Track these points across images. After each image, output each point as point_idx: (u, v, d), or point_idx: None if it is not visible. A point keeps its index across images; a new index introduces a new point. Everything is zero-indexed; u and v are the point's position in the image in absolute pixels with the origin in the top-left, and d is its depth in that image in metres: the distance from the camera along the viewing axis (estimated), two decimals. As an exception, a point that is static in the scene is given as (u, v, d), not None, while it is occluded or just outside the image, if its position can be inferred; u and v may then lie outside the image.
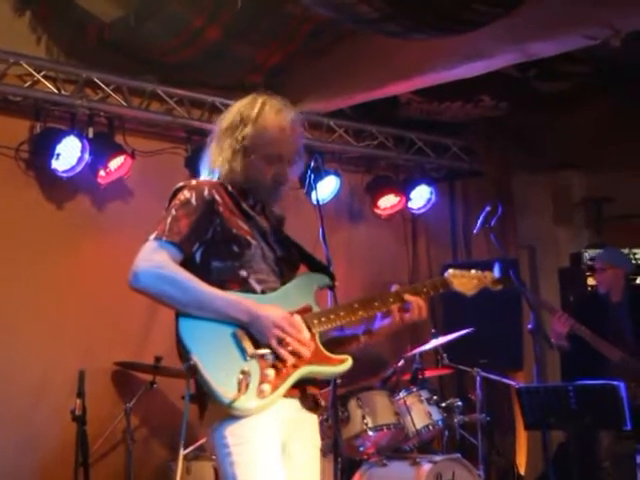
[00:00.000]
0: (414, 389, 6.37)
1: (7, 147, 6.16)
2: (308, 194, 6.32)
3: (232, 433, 3.07)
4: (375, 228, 8.46)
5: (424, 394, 6.35)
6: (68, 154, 6.15)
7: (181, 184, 3.36)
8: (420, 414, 6.24)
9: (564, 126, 8.35)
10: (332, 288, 3.53)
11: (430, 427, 6.25)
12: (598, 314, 6.82)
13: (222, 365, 3.05)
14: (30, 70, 6.14)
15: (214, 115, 7.04)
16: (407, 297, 3.50)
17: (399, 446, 6.37)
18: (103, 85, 6.48)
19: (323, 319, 3.31)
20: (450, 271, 3.70)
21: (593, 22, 5.69)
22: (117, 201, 6.67)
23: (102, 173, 6.39)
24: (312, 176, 4.19)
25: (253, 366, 3.07)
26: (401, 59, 6.54)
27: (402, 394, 6.30)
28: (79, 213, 6.49)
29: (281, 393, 3.10)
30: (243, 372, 3.02)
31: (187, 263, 3.22)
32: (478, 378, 6.83)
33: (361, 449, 6.08)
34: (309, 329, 3.25)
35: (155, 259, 3.12)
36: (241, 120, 3.42)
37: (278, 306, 3.22)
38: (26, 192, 6.26)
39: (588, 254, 8.17)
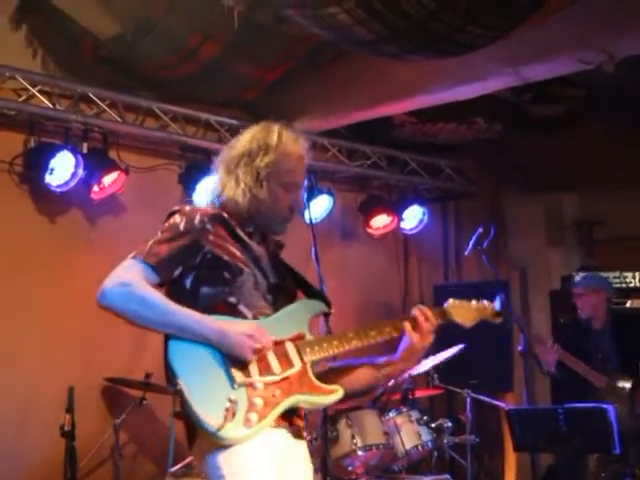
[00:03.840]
0: (404, 409, 6.38)
1: (1, 161, 6.16)
2: (301, 213, 6.33)
3: (227, 462, 3.02)
4: (367, 248, 8.47)
5: (414, 414, 6.35)
6: (62, 169, 6.14)
7: (176, 208, 3.34)
8: (410, 434, 6.24)
9: (557, 149, 8.38)
10: (328, 315, 3.46)
11: (419, 447, 6.25)
12: (582, 340, 6.84)
13: (209, 392, 3.01)
14: (25, 84, 6.14)
15: (208, 132, 7.08)
16: (406, 325, 3.40)
17: (388, 466, 6.36)
18: (98, 100, 6.49)
19: (316, 348, 3.24)
20: (450, 301, 3.61)
21: (587, 47, 5.73)
22: (110, 217, 6.68)
23: (96, 188, 6.40)
24: (305, 195, 4.20)
25: (241, 394, 3.02)
26: (396, 80, 6.57)
27: (392, 414, 6.30)
28: (72, 228, 6.49)
29: (269, 422, 3.05)
30: (230, 400, 2.98)
31: (176, 289, 3.21)
32: (468, 399, 6.83)
33: (350, 469, 6.07)
34: (301, 358, 3.20)
35: (125, 277, 3.10)
36: (259, 147, 3.38)
37: (270, 331, 3.17)
38: (19, 206, 6.26)
39: (579, 277, 8.19)
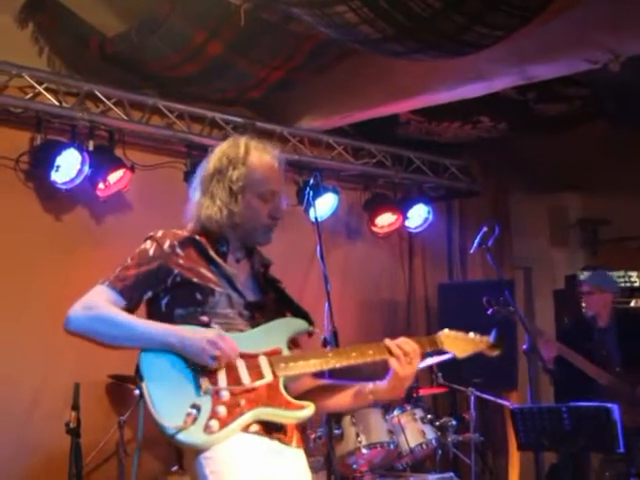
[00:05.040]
0: (408, 407, 6.38)
1: (7, 158, 6.17)
2: (306, 211, 6.36)
3: (213, 472, 3.03)
4: (372, 246, 8.48)
5: (418, 413, 6.36)
6: (68, 166, 6.16)
7: (150, 234, 3.36)
8: (414, 433, 6.25)
9: (562, 148, 8.39)
10: (311, 335, 3.44)
11: (424, 446, 6.26)
12: (585, 338, 6.85)
13: (173, 396, 3.03)
14: (31, 82, 6.16)
15: (214, 130, 7.09)
16: (390, 346, 3.34)
17: (392, 464, 6.37)
18: (104, 98, 6.51)
19: (291, 364, 3.22)
20: (445, 331, 3.57)
21: (593, 46, 5.73)
22: (116, 214, 6.69)
23: (101, 186, 6.41)
24: (311, 193, 4.21)
25: (205, 401, 3.03)
26: (402, 79, 6.58)
27: (396, 412, 6.31)
28: (77, 225, 6.50)
29: (231, 431, 3.03)
30: (193, 406, 3.00)
31: (153, 311, 3.28)
32: (472, 397, 6.84)
33: (354, 467, 6.08)
34: (274, 372, 3.18)
35: (89, 301, 3.20)
36: (229, 162, 3.42)
37: (243, 345, 3.18)
38: (25, 203, 6.27)
39: (583, 276, 8.18)
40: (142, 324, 3.19)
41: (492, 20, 4.74)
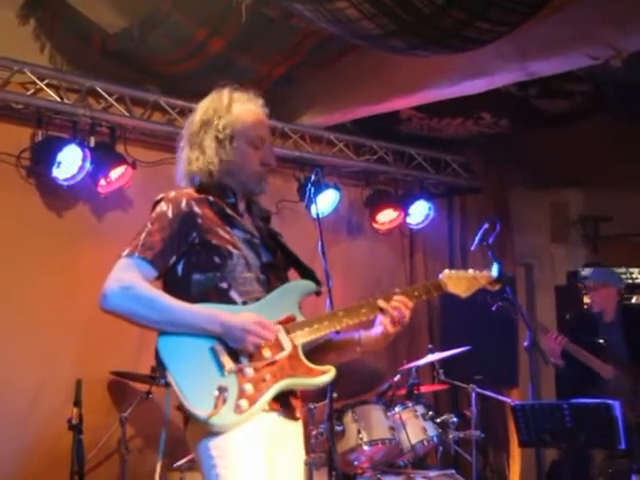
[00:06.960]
0: (410, 404, 6.37)
1: (8, 154, 6.17)
2: (308, 207, 6.35)
3: (216, 446, 3.06)
4: (373, 242, 8.48)
5: (419, 409, 6.35)
6: (69, 163, 6.16)
7: (160, 196, 3.36)
8: (415, 429, 6.24)
9: (563, 144, 8.37)
10: (319, 294, 3.48)
11: (425, 442, 6.25)
12: (590, 333, 6.86)
13: (198, 381, 3.04)
14: (33, 78, 6.16)
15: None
16: (396, 298, 3.40)
17: (394, 461, 6.36)
18: (105, 94, 6.50)
19: (306, 329, 3.25)
20: (446, 272, 3.63)
21: (595, 42, 5.72)
22: (117, 211, 6.68)
23: (103, 182, 6.40)
24: (312, 189, 4.20)
25: (231, 381, 3.05)
26: (403, 75, 6.58)
27: (397, 409, 6.30)
28: (79, 222, 6.50)
29: (260, 407, 3.08)
30: (220, 388, 3.01)
31: (169, 277, 3.25)
32: (473, 394, 6.83)
33: (356, 463, 6.07)
34: (292, 341, 3.21)
35: (125, 278, 3.13)
36: (215, 112, 3.46)
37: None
38: (26, 199, 6.27)
39: (584, 272, 8.19)
40: (181, 308, 3.13)
41: (494, 16, 4.74)
